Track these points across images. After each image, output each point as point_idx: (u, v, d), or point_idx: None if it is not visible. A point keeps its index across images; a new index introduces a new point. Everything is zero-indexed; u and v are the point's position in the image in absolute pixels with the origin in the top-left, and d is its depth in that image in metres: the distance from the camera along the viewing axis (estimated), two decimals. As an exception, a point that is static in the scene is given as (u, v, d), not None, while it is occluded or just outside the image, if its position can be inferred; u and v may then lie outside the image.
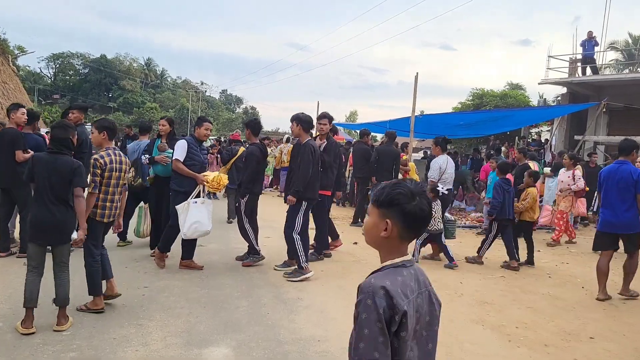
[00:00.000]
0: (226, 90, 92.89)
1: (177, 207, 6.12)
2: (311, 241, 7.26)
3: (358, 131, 45.28)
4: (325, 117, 7.31)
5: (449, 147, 9.58)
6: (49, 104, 64.92)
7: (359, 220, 10.55)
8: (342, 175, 7.59)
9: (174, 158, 6.26)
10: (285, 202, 6.49)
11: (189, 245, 6.47)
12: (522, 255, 7.78)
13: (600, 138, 18.31)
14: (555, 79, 19.87)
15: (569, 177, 9.64)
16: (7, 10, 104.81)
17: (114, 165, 4.78)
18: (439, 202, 7.65)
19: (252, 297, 5.45)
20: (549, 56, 20.31)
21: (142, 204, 7.51)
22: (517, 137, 22.66)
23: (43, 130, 15.12)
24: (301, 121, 6.38)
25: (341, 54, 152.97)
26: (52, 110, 58.20)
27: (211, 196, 13.69)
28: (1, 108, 32.34)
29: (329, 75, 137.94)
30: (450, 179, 8.46)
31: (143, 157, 6.94)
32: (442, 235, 7.51)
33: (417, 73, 11.64)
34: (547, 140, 23.18)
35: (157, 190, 6.95)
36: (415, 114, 12.93)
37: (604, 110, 12.14)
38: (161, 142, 6.95)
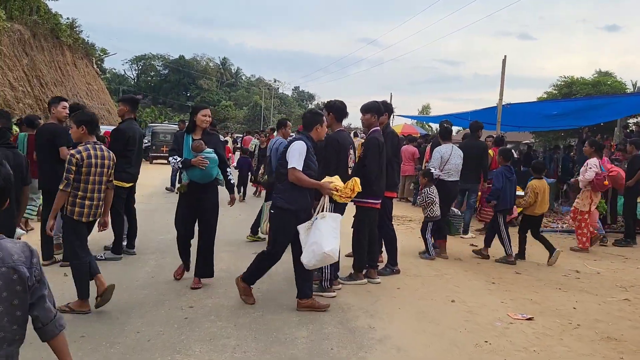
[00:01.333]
0: (298, 87, 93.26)
1: (299, 227, 4.67)
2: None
3: (429, 125, 42.77)
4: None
5: (533, 140, 8.20)
6: (132, 104, 67.55)
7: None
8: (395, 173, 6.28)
9: (290, 166, 4.60)
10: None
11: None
12: (536, 252, 7.18)
13: None
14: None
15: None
16: (93, 16, 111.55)
17: (93, 160, 4.51)
18: (434, 187, 7.12)
19: (313, 324, 4.48)
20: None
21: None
22: (616, 128, 20.26)
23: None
24: (333, 109, 5.40)
25: (413, 47, 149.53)
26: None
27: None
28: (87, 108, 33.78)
29: (401, 69, 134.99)
30: (455, 170, 7.46)
31: (172, 159, 5.27)
32: (429, 225, 7.08)
33: (505, 56, 10.30)
34: (648, 131, 20.66)
35: (190, 200, 5.31)
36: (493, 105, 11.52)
37: None
38: (194, 139, 5.30)
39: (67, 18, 34.55)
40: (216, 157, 5.24)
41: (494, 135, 9.69)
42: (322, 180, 4.77)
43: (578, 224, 8.20)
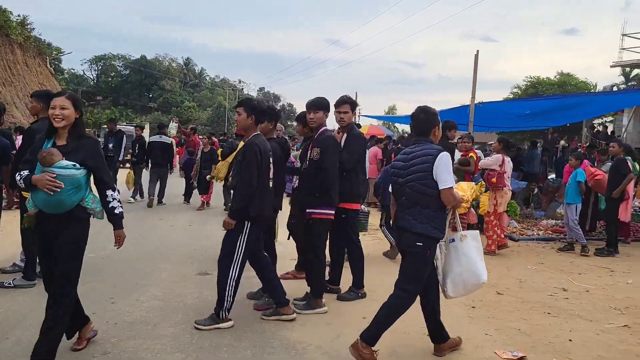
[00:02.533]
0: (264, 88, 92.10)
1: (437, 254, 3.81)
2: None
3: (395, 126, 42.30)
4: (345, 102, 5.23)
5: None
6: (91, 105, 65.53)
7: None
8: (362, 182, 5.43)
9: (448, 186, 3.63)
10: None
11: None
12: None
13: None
14: (632, 60, 17.26)
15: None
16: (50, 14, 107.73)
17: None
18: None
19: None
20: (623, 35, 17.72)
21: None
22: (585, 129, 20.04)
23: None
24: (251, 109, 4.52)
25: (379, 48, 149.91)
26: (94, 111, 58.75)
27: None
28: (37, 110, 31.98)
29: (367, 70, 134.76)
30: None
31: (18, 175, 3.45)
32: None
33: (478, 51, 9.56)
34: (612, 132, 20.53)
35: (45, 234, 3.51)
36: (466, 104, 10.84)
37: None
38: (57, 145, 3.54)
39: (18, 15, 32.77)
40: (79, 176, 3.42)
41: (465, 137, 8.92)
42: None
43: (485, 226, 8.06)
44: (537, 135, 25.09)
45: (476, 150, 8.81)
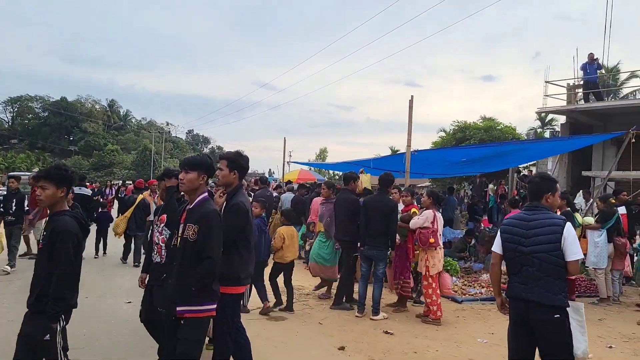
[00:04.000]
0: (192, 130, 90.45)
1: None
2: None
3: (339, 174, 42.60)
4: (221, 157, 4.33)
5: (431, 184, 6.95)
6: (5, 149, 61.17)
7: (344, 300, 7.55)
8: (247, 261, 4.35)
9: (578, 258, 3.64)
10: None
11: None
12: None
13: (615, 174, 15.83)
14: (556, 107, 17.66)
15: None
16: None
17: None
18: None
19: None
20: (546, 81, 18.17)
21: None
22: (512, 174, 20.20)
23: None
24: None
25: (309, 91, 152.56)
26: (7, 155, 54.63)
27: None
28: None
29: (297, 113, 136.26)
30: None
31: None
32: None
33: (412, 96, 8.94)
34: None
35: None
36: (399, 151, 10.20)
37: (633, 140, 9.54)
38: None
39: None
40: None
41: (404, 190, 8.13)
42: None
43: (425, 291, 7.15)
44: (466, 179, 25.29)
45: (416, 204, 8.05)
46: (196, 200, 3.65)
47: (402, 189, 8.18)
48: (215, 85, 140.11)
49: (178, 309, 3.49)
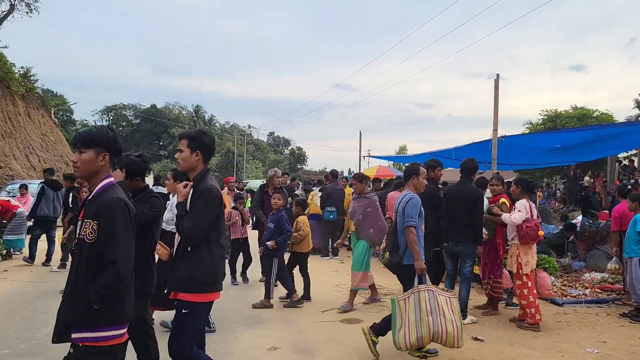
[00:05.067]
0: (273, 132, 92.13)
1: None
2: None
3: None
4: (181, 137, 3.56)
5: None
6: (103, 155, 65.11)
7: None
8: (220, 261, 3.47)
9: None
10: None
11: None
12: None
13: None
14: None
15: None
16: (61, 68, 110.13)
17: None
18: None
19: None
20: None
21: None
22: (609, 164, 18.27)
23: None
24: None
25: (387, 90, 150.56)
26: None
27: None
28: (39, 161, 31.20)
29: (375, 112, 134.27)
30: None
31: None
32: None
33: (498, 75, 8.05)
34: (640, 166, 18.81)
35: None
36: (487, 139, 9.26)
37: None
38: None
39: (22, 67, 32.50)
40: None
41: (494, 177, 7.24)
42: None
43: (519, 292, 6.17)
44: (557, 171, 23.29)
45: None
46: (97, 188, 2.74)
47: (491, 177, 7.29)
48: (294, 88, 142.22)
49: (74, 335, 2.57)
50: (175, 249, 3.49)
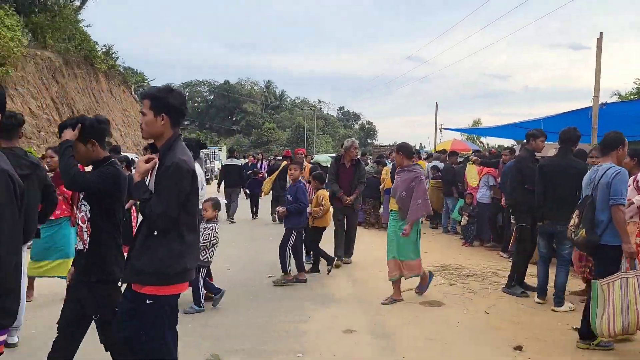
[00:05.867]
0: (343, 107, 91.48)
1: None
2: None
3: (484, 139, 39.11)
4: (143, 96, 3.05)
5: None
6: (180, 129, 67.59)
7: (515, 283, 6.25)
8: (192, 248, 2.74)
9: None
10: None
11: None
12: None
13: None
14: None
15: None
16: (139, 46, 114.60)
17: None
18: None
19: None
20: None
21: None
22: None
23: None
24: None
25: (459, 62, 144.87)
26: (182, 136, 60.49)
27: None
28: (121, 135, 32.61)
29: (447, 85, 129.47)
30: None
31: None
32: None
33: (601, 33, 7.10)
34: None
35: None
36: (586, 107, 8.28)
37: None
38: None
39: (104, 45, 33.85)
40: None
41: (593, 149, 6.42)
42: None
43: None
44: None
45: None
46: None
47: (591, 149, 6.48)
48: (364, 62, 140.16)
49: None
50: (135, 232, 2.89)
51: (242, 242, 9.74)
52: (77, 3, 29.81)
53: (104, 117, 3.30)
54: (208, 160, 27.02)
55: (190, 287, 5.15)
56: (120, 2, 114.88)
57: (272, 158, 24.29)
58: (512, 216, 7.17)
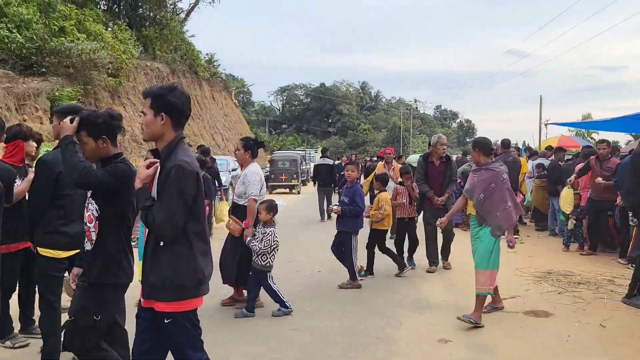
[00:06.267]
0: (440, 105, 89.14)
1: None
2: None
3: (596, 134, 35.96)
4: (145, 95, 2.73)
5: None
6: (277, 133, 69.82)
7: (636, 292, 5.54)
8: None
9: None
10: None
11: None
12: None
13: None
14: None
15: None
16: (236, 54, 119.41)
17: None
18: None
19: None
20: None
21: None
22: None
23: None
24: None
25: (564, 55, 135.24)
26: (279, 138, 62.36)
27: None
28: (222, 139, 34.18)
29: (552, 79, 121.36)
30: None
31: None
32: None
33: None
34: None
35: None
36: None
37: None
38: None
39: (207, 54, 35.69)
40: None
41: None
42: None
43: None
44: None
45: None
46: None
47: None
48: (462, 58, 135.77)
49: None
50: (145, 244, 2.69)
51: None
52: (183, 15, 31.73)
53: (117, 113, 3.13)
54: (304, 162, 27.43)
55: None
56: (221, 11, 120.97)
57: (368, 159, 24.20)
58: (632, 218, 6.41)
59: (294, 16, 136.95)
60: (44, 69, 13.73)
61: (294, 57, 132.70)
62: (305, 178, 26.31)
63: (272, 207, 5.24)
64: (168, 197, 2.47)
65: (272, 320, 5.08)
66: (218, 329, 4.72)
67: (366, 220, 6.80)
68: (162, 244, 2.54)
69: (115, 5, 25.40)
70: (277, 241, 5.25)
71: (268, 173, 23.52)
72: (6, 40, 12.81)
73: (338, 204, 6.57)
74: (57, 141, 3.83)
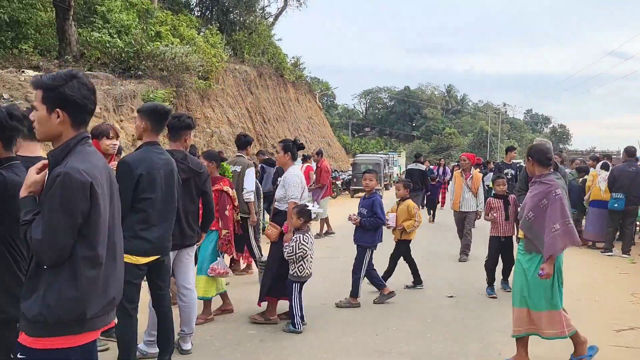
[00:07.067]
0: (531, 110, 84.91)
1: None
2: None
3: None
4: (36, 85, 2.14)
5: None
6: (360, 136, 69.72)
7: None
8: None
9: None
10: None
11: None
12: None
13: None
14: None
15: None
16: (323, 57, 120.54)
17: None
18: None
19: None
20: None
21: None
22: None
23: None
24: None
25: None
26: (362, 142, 62.22)
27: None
28: (306, 141, 34.50)
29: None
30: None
31: None
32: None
33: None
34: None
35: None
36: None
37: None
38: None
39: (293, 57, 36.24)
40: None
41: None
42: None
43: None
44: None
45: None
46: None
47: None
48: (557, 59, 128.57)
49: None
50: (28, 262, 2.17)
51: (418, 254, 9.10)
52: (271, 20, 32.36)
53: (20, 112, 2.60)
54: (387, 166, 26.98)
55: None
56: (308, 16, 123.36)
57: (455, 164, 23.56)
58: None
59: (380, 18, 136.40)
60: (140, 72, 14.35)
61: (378, 60, 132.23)
62: (387, 182, 25.83)
63: (303, 212, 4.87)
64: (49, 211, 2.00)
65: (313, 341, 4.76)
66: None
67: (387, 231, 6.24)
68: (45, 267, 2.06)
69: (208, 11, 26.34)
70: (305, 249, 4.81)
71: (350, 176, 23.33)
72: (107, 45, 13.52)
73: (356, 214, 5.96)
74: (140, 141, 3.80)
